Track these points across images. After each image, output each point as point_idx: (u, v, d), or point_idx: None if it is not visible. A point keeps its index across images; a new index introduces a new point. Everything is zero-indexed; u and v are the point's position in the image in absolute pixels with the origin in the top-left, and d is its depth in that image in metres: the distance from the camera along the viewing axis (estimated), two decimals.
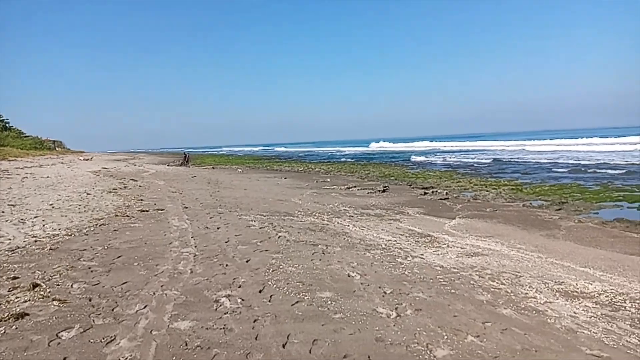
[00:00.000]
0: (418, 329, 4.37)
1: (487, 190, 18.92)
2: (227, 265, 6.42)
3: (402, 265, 6.91)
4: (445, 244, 8.92)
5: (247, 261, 6.66)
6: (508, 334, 4.35)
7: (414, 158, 48.03)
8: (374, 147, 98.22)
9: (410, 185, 21.75)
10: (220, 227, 9.24)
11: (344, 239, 8.88)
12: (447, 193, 17.93)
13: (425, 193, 18.02)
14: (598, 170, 25.57)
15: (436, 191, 18.44)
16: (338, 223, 10.94)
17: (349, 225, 10.68)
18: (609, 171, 24.73)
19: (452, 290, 5.70)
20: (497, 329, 4.47)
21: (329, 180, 24.85)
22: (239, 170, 34.85)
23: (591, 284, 6.28)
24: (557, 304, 5.37)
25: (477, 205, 14.88)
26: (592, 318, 4.91)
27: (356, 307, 4.95)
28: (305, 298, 5.19)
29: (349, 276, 6.15)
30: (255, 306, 4.85)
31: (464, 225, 11.31)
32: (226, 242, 7.90)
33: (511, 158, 41.36)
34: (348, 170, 32.87)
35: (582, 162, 31.92)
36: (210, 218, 10.40)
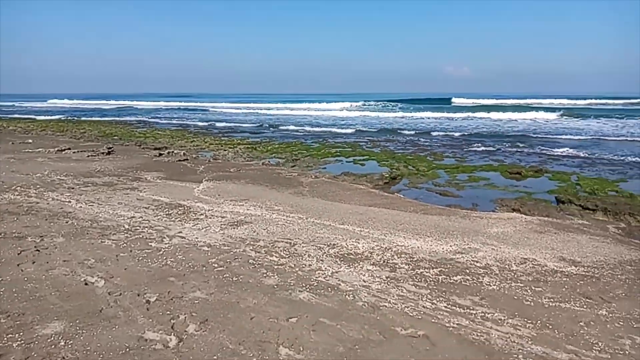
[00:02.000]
0: (215, 358, 3.03)
1: (225, 150, 18.32)
2: None
3: (161, 252, 5.33)
4: (202, 214, 7.63)
5: None
6: (321, 331, 3.53)
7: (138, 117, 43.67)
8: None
9: (140, 146, 19.12)
10: None
11: (67, 222, 6.56)
12: (184, 153, 16.39)
13: (160, 154, 16.01)
14: (311, 129, 28.41)
15: (172, 152, 16.65)
16: (53, 199, 8.18)
17: (70, 202, 8.10)
18: (315, 129, 27.78)
19: (234, 278, 4.57)
20: (306, 326, 3.60)
21: (30, 141, 19.57)
22: None
23: (359, 243, 6.18)
24: (343, 273, 4.92)
25: (220, 166, 13.98)
26: (382, 284, 4.63)
27: (108, 341, 3.21)
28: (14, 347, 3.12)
29: (86, 284, 4.26)
30: None
31: (215, 188, 10.21)
32: None
33: (226, 117, 41.89)
34: (56, 128, 26.93)
35: (295, 123, 35.14)
36: None
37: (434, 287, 4.60)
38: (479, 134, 25.19)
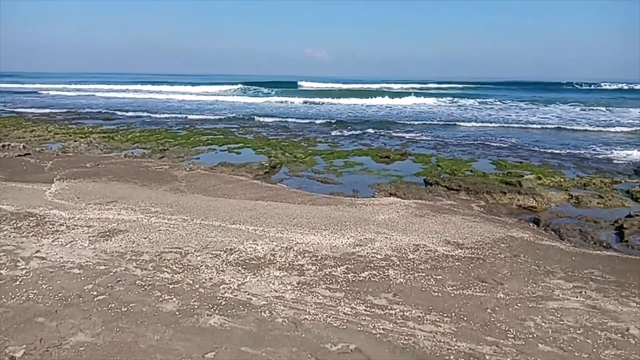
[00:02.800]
0: None
1: (76, 140, 15.94)
2: None
3: (17, 283, 4.26)
4: (62, 224, 6.39)
5: None
6: None
7: None
8: None
9: None
10: None
11: None
12: (24, 146, 13.79)
13: None
14: (171, 116, 26.43)
15: (8, 145, 13.85)
16: None
17: None
18: (178, 116, 25.98)
19: (123, 308, 3.83)
20: None
21: None
22: None
23: (257, 244, 5.77)
24: (250, 284, 4.49)
25: (73, 161, 12.06)
26: (296, 292, 4.32)
27: None
28: None
29: None
30: None
31: (71, 190, 8.71)
32: None
33: (66, 101, 36.91)
34: None
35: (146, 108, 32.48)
36: None
37: (347, 288, 4.45)
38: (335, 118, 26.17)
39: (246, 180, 10.55)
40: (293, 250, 5.57)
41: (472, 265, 5.22)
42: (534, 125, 22.17)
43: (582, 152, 14.83)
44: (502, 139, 17.68)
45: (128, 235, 6.02)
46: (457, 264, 5.25)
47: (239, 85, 59.87)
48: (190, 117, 25.41)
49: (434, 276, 4.82)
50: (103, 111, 27.75)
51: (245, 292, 4.25)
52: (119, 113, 26.70)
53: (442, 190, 9.83)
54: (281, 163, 12.80)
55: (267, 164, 12.27)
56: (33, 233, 5.92)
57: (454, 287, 4.52)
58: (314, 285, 4.47)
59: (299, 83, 67.73)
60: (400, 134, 18.88)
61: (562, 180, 10.61)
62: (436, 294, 4.37)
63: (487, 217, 7.80)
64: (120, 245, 5.56)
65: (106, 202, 7.86)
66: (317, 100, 38.65)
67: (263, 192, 9.23)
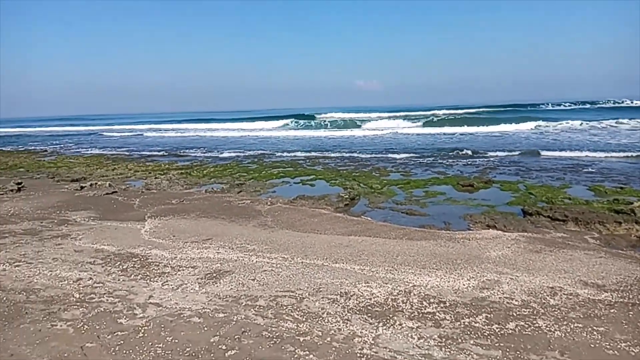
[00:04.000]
0: None
1: (156, 177, 16.40)
2: None
3: (140, 334, 4.01)
4: (165, 264, 6.22)
5: None
6: None
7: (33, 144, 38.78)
8: None
9: (53, 179, 16.50)
10: None
11: None
12: (110, 185, 14.30)
13: (82, 187, 13.76)
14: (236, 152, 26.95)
15: (95, 184, 14.42)
16: None
17: None
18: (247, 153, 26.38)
19: None
20: None
21: None
22: None
23: (371, 287, 5.27)
24: (386, 337, 3.99)
25: (158, 198, 12.27)
26: (444, 349, 3.75)
27: None
28: None
29: None
30: None
31: (164, 227, 8.69)
32: None
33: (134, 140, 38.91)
34: None
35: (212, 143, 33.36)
36: None
37: (499, 344, 3.82)
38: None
39: (329, 214, 10.16)
40: (414, 294, 5.01)
41: (631, 313, 4.42)
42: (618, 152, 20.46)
43: None
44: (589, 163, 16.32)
45: (235, 276, 5.73)
46: (612, 311, 4.47)
47: (290, 120, 60.37)
48: (252, 152, 25.78)
49: (595, 328, 4.08)
50: (168, 149, 28.80)
51: (385, 347, 3.74)
52: (187, 151, 27.63)
53: (546, 221, 8.92)
54: (359, 194, 12.35)
55: (346, 196, 11.86)
56: (141, 276, 5.78)
57: (629, 343, 3.77)
58: (459, 340, 3.88)
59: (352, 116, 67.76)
60: (473, 159, 17.97)
61: None
62: (610, 351, 3.65)
63: (612, 252, 6.86)
64: (231, 289, 5.26)
65: (202, 240, 7.71)
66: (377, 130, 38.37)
67: (351, 227, 8.77)
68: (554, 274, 5.66)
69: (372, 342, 3.83)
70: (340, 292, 5.09)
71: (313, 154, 23.11)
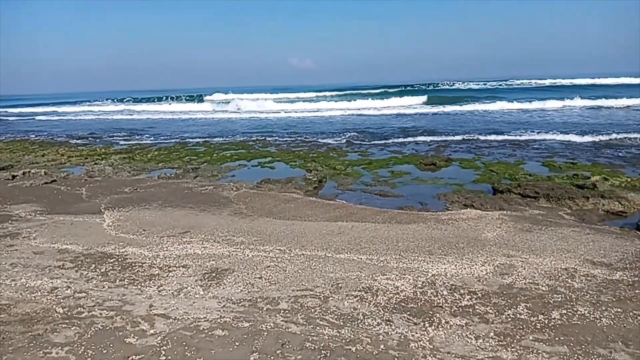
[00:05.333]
0: None
1: (96, 163, 14.78)
2: None
3: (163, 357, 3.29)
4: (151, 265, 5.42)
5: None
6: None
7: None
8: None
9: None
10: None
11: None
12: (46, 173, 12.59)
13: (13, 177, 11.96)
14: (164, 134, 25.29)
15: (28, 172, 12.60)
16: None
17: None
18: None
19: None
20: None
21: None
22: None
23: (391, 279, 4.92)
24: (442, 339, 3.65)
25: (106, 186, 10.95)
26: (510, 350, 3.48)
27: None
28: None
29: None
30: None
31: (129, 221, 7.68)
32: None
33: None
34: None
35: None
36: None
37: (558, 337, 3.63)
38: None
39: (302, 198, 9.64)
40: (439, 285, 4.72)
41: None
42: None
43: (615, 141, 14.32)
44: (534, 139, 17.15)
45: (237, 275, 5.08)
46: (636, 292, 4.49)
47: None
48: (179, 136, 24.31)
49: (636, 312, 4.04)
50: (89, 132, 26.30)
51: (448, 353, 3.39)
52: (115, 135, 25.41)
53: (517, 198, 9.11)
54: (325, 177, 11.93)
55: (314, 179, 11.38)
56: (128, 280, 4.93)
57: None
58: (517, 337, 3.63)
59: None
60: (424, 138, 18.19)
61: (629, 180, 10.02)
62: None
63: (592, 227, 7.08)
64: (241, 290, 4.63)
65: (179, 234, 6.88)
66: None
67: (332, 212, 8.34)
68: (559, 254, 5.66)
69: (432, 347, 3.46)
70: (363, 288, 4.67)
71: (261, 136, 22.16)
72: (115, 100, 65.25)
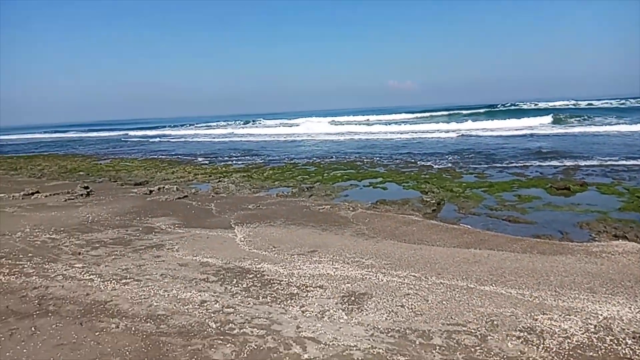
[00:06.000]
0: None
1: (219, 180, 15.78)
2: None
3: None
4: (289, 284, 5.42)
5: None
6: None
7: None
8: None
9: (116, 182, 16.12)
10: None
11: (114, 326, 4.10)
12: (177, 189, 13.74)
13: (150, 192, 13.24)
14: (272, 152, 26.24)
15: (163, 187, 13.89)
16: (65, 277, 5.61)
17: (93, 280, 5.59)
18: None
19: None
20: None
21: None
22: None
23: (553, 320, 4.28)
24: None
25: (232, 202, 11.57)
26: None
27: None
28: None
29: None
30: None
31: (258, 237, 7.92)
32: None
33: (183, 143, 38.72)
34: (8, 166, 22.80)
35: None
36: None
37: None
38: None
39: (422, 221, 9.20)
40: (618, 331, 4.00)
41: None
42: None
43: None
44: None
45: (377, 301, 4.84)
46: None
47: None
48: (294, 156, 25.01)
49: None
50: (214, 153, 28.38)
51: None
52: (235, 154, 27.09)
53: None
54: (442, 199, 11.33)
55: (432, 201, 10.87)
56: (270, 298, 4.96)
57: None
58: None
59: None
60: (548, 163, 16.61)
61: None
62: None
63: None
64: (385, 319, 4.38)
65: (307, 253, 6.88)
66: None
67: (460, 237, 7.78)
68: None
69: None
70: (523, 327, 4.13)
71: (365, 156, 22.08)
72: (231, 121, 70.76)
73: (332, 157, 21.61)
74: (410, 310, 4.57)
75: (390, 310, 4.60)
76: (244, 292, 5.15)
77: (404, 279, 5.58)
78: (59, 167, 21.60)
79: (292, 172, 17.29)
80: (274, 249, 7.10)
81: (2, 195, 12.88)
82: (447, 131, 33.97)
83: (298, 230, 8.46)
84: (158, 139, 46.03)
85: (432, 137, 30.24)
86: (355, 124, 49.16)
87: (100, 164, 22.95)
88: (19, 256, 6.81)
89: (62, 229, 8.68)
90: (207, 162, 22.27)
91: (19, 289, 5.33)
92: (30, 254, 6.87)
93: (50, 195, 12.82)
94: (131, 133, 61.56)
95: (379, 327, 4.19)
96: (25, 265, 6.27)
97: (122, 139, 50.44)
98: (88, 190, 13.47)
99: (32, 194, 12.89)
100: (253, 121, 73.26)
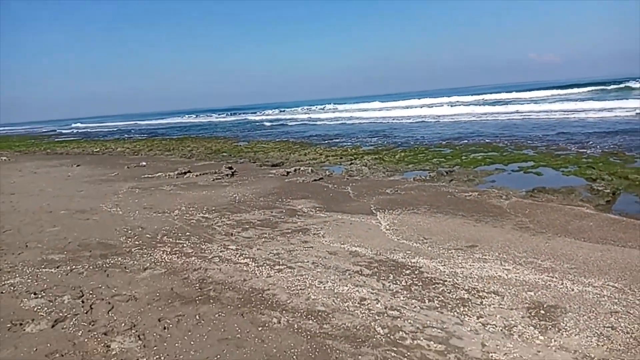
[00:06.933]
0: None
1: (352, 162, 15.50)
2: None
3: None
4: (455, 285, 4.71)
5: None
6: None
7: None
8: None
9: (255, 163, 16.88)
10: None
11: (283, 322, 3.81)
12: (312, 171, 13.77)
13: (287, 173, 13.48)
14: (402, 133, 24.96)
15: (298, 169, 14.06)
16: (222, 259, 5.68)
17: (248, 264, 5.55)
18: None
19: None
20: None
21: (144, 164, 17.99)
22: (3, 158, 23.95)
23: None
24: None
25: (367, 186, 11.12)
26: None
27: None
28: None
29: None
30: None
31: (404, 226, 7.30)
32: None
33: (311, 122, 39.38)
34: (163, 147, 25.71)
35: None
36: None
37: None
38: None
39: (596, 214, 7.65)
40: None
41: None
42: None
43: None
44: None
45: (574, 317, 3.88)
46: None
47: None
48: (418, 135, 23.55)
49: None
50: (338, 135, 28.25)
51: None
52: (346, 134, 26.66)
53: None
54: (617, 188, 9.39)
55: (607, 190, 9.07)
56: (438, 302, 4.32)
57: None
58: None
59: None
60: None
61: None
62: None
63: None
64: (597, 345, 3.43)
65: (465, 247, 6.06)
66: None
67: None
68: None
69: None
70: None
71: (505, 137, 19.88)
72: (349, 103, 71.26)
73: (466, 140, 19.88)
74: (629, 336, 3.54)
75: (598, 332, 3.62)
76: (405, 292, 4.59)
77: (602, 290, 4.47)
78: (205, 148, 23.60)
79: (425, 154, 16.25)
80: (425, 241, 6.42)
81: (160, 174, 14.27)
82: (613, 109, 28.57)
83: (447, 220, 7.63)
84: (282, 122, 47.74)
85: (594, 117, 25.70)
86: (491, 104, 44.98)
87: (240, 145, 24.49)
88: (178, 234, 7.21)
89: (213, 208, 9.12)
90: (335, 143, 22.28)
91: (180, 270, 5.52)
92: (188, 233, 7.24)
93: (200, 174, 13.84)
94: (250, 117, 65.43)
95: (591, 355, 3.28)
96: (185, 245, 6.57)
97: (257, 123, 53.75)
98: (232, 170, 14.23)
99: (185, 173, 14.06)
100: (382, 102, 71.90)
